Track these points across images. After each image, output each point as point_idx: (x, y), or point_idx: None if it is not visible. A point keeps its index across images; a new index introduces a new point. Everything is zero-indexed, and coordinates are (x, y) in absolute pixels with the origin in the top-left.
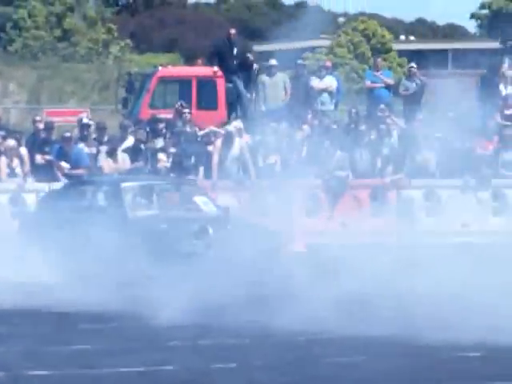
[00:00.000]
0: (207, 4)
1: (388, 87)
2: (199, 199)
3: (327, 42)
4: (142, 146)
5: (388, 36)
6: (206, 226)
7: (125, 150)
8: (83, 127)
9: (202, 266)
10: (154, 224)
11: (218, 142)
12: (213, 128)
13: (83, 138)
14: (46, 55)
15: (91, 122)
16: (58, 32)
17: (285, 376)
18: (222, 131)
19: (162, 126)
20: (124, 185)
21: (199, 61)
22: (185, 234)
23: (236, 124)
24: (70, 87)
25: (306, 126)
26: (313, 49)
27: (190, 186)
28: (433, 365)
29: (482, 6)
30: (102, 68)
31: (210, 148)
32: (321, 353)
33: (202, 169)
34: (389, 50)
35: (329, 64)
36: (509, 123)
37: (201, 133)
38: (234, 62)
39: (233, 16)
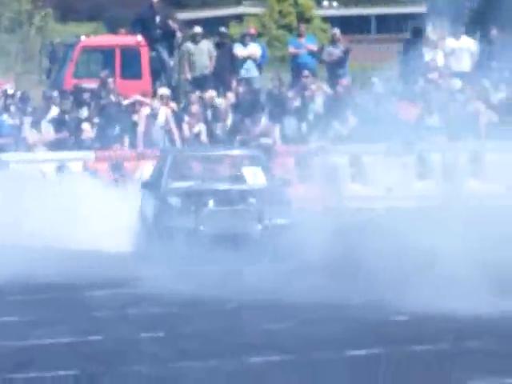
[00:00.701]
0: None
1: (312, 53)
2: (249, 170)
3: (254, 10)
4: (67, 117)
5: (310, 2)
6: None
7: (49, 121)
8: (7, 98)
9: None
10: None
11: (143, 111)
12: (138, 97)
13: (7, 109)
14: None
15: (15, 93)
16: None
17: (213, 344)
18: (147, 100)
19: (86, 95)
20: (172, 155)
21: (122, 30)
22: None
23: (162, 92)
24: None
25: (230, 94)
26: (239, 16)
27: (245, 158)
28: (361, 329)
29: None
30: (25, 38)
31: (135, 117)
32: (250, 320)
33: (127, 138)
34: (311, 17)
35: (253, 31)
36: (432, 87)
37: (125, 102)
38: (158, 31)
39: None
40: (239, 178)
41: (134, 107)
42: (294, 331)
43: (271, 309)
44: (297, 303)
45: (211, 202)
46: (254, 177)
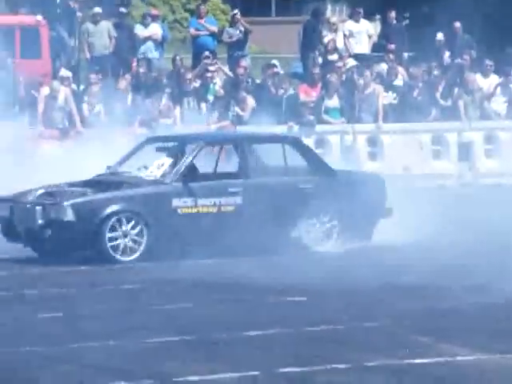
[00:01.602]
0: None
1: (212, 35)
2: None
3: None
4: None
5: None
6: None
7: None
8: None
9: None
10: None
11: (43, 91)
12: (37, 77)
13: None
14: None
15: None
16: None
17: (111, 325)
18: (46, 80)
19: None
20: None
21: (22, 10)
22: None
23: (63, 73)
24: None
25: (127, 76)
26: None
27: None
28: (257, 309)
29: None
30: None
31: (36, 95)
32: (149, 301)
33: (26, 117)
34: None
35: (155, 12)
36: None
37: (24, 82)
38: (58, 11)
39: None
40: None
41: (33, 87)
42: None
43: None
44: None
45: None
46: None
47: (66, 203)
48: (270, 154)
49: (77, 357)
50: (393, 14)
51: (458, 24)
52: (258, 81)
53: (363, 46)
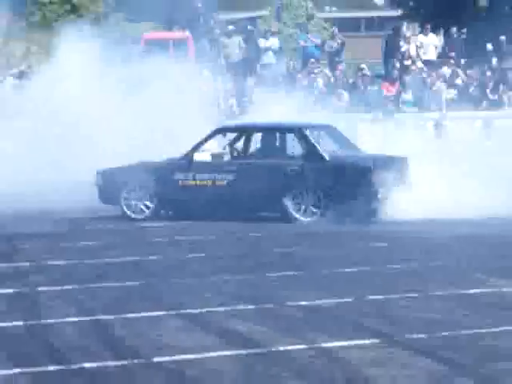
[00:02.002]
0: None
1: (317, 46)
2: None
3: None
4: None
5: (310, 6)
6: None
7: None
8: None
9: None
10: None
11: None
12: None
13: None
14: None
15: None
16: None
17: (241, 263)
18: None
19: None
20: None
21: (175, 27)
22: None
23: (205, 73)
24: None
25: (253, 77)
26: (260, 17)
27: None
28: (350, 251)
29: None
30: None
31: None
32: (269, 246)
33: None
34: (311, 17)
35: (274, 29)
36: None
37: None
38: (201, 28)
39: None
40: None
41: None
42: None
43: None
44: None
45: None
46: None
47: (97, 170)
48: (279, 141)
49: (215, 287)
50: (453, 29)
51: (503, 37)
52: (351, 80)
53: (430, 54)
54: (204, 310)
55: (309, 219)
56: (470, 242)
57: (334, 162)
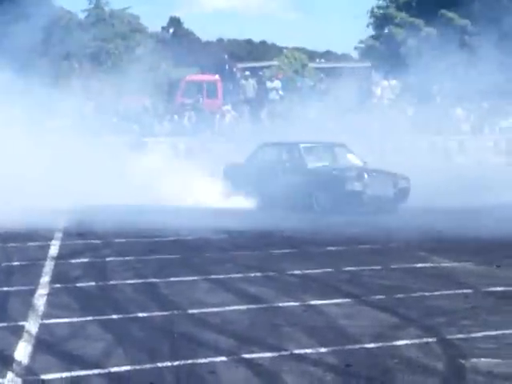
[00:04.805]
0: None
1: (310, 87)
2: (350, 156)
3: (275, 62)
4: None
5: (304, 58)
6: (362, 172)
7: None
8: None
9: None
10: (327, 171)
11: (217, 116)
12: (215, 109)
13: None
14: None
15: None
16: None
17: (252, 243)
18: (219, 111)
19: (188, 107)
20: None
21: (207, 72)
22: (350, 177)
23: (227, 107)
24: None
25: (264, 109)
26: (269, 66)
27: (341, 147)
28: (331, 233)
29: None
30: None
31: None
32: (279, 229)
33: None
34: (305, 66)
35: (279, 76)
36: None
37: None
38: (226, 73)
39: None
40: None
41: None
42: None
43: None
44: None
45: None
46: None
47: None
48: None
49: (234, 259)
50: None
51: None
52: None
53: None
54: (225, 276)
55: None
56: (417, 228)
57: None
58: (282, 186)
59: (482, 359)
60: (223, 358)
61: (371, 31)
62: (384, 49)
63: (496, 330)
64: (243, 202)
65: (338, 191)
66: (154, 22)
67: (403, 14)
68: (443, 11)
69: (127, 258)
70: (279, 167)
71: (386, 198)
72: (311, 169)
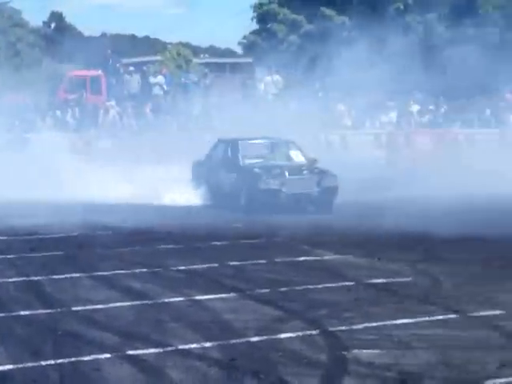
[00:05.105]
0: None
1: (194, 82)
2: (294, 153)
3: (159, 58)
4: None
5: (188, 53)
6: (284, 171)
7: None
8: None
9: None
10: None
11: (101, 112)
12: (98, 104)
13: None
14: None
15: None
16: None
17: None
18: (103, 106)
19: (71, 103)
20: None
21: (91, 68)
22: (267, 175)
23: (111, 102)
24: None
25: (148, 104)
26: (153, 61)
27: (288, 144)
28: (218, 230)
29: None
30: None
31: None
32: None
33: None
34: (190, 62)
35: (163, 71)
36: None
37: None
38: (110, 69)
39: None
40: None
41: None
42: None
43: None
44: None
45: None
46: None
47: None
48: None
49: (119, 255)
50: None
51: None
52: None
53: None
54: (110, 272)
55: None
56: (305, 224)
57: None
58: (222, 183)
59: (364, 350)
60: (107, 355)
61: (255, 25)
62: (267, 44)
63: (377, 321)
64: (193, 199)
65: (256, 189)
66: (36, 17)
67: (286, 11)
68: (322, 8)
69: (9, 257)
70: (223, 164)
71: (309, 196)
72: (242, 166)
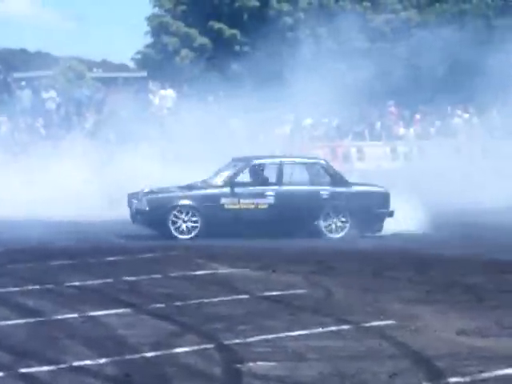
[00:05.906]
0: None
1: (87, 96)
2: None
3: (51, 72)
4: None
5: (81, 68)
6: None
7: None
8: None
9: None
10: None
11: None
12: None
13: None
14: None
15: None
16: None
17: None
18: None
19: None
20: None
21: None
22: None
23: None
24: None
25: (40, 119)
26: (45, 76)
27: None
28: (106, 248)
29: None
30: None
31: None
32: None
33: None
34: (83, 76)
35: (56, 85)
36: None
37: None
38: (1, 84)
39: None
40: None
41: None
42: None
43: None
44: None
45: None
46: None
47: (144, 198)
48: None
49: (11, 272)
50: (184, 87)
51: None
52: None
53: (169, 103)
54: (2, 290)
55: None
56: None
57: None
58: None
59: (258, 363)
60: (0, 374)
61: (149, 39)
62: (160, 58)
63: (271, 333)
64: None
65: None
66: None
67: (179, 23)
68: (212, 22)
69: None
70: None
71: None
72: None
